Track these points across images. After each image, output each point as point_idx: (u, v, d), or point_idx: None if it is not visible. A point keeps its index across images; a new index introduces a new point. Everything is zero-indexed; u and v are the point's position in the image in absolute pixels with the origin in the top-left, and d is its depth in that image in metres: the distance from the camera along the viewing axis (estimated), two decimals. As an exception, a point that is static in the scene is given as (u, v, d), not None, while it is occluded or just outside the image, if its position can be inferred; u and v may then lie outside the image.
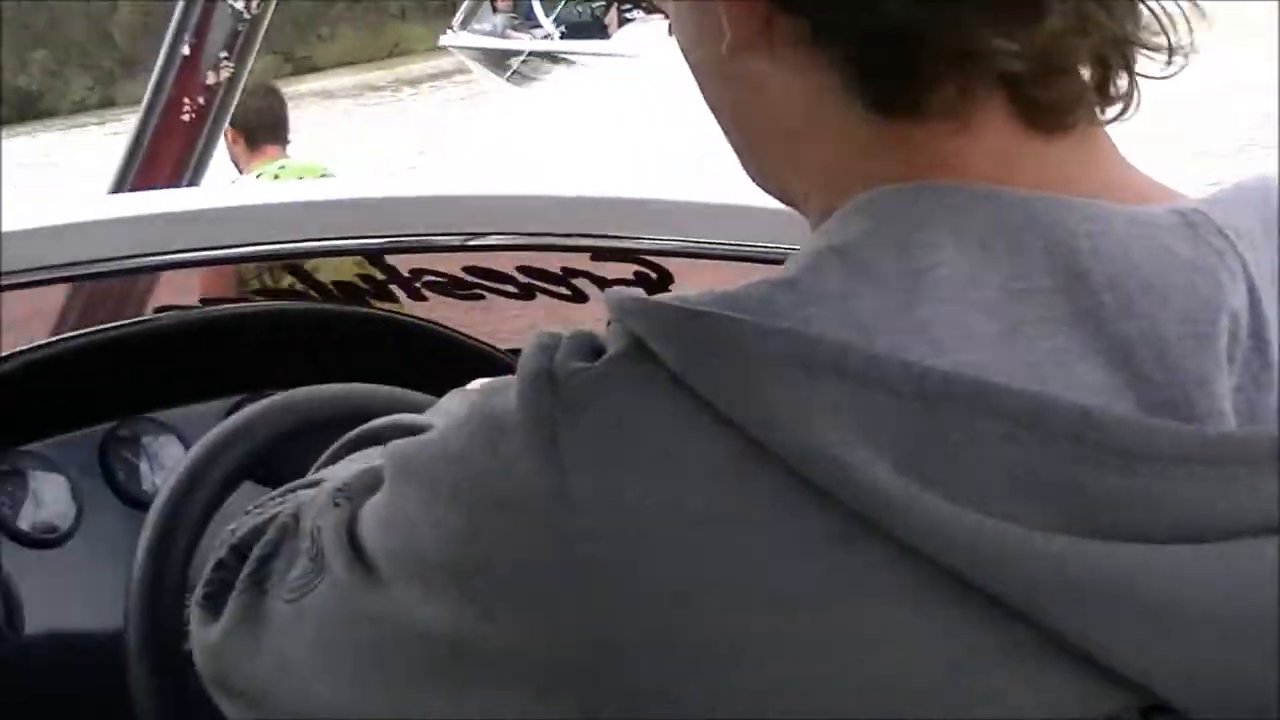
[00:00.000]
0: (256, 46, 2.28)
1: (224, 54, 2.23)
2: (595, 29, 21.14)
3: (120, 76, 33.54)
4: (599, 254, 1.80)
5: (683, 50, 0.76)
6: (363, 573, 0.72)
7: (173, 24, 2.25)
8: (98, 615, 1.34)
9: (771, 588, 0.59)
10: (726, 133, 0.76)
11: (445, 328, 1.57)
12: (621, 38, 20.17)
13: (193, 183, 2.16)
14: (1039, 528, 0.58)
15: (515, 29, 21.47)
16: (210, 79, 2.22)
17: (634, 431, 0.62)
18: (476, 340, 1.56)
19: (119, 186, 2.14)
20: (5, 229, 1.58)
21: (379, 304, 1.79)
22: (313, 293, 1.79)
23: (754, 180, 0.78)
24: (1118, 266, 0.63)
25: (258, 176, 4.59)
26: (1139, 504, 0.59)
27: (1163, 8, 0.68)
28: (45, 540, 1.40)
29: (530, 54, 20.73)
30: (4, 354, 1.41)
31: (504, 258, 1.80)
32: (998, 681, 0.59)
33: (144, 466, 1.50)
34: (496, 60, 21.22)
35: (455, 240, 1.76)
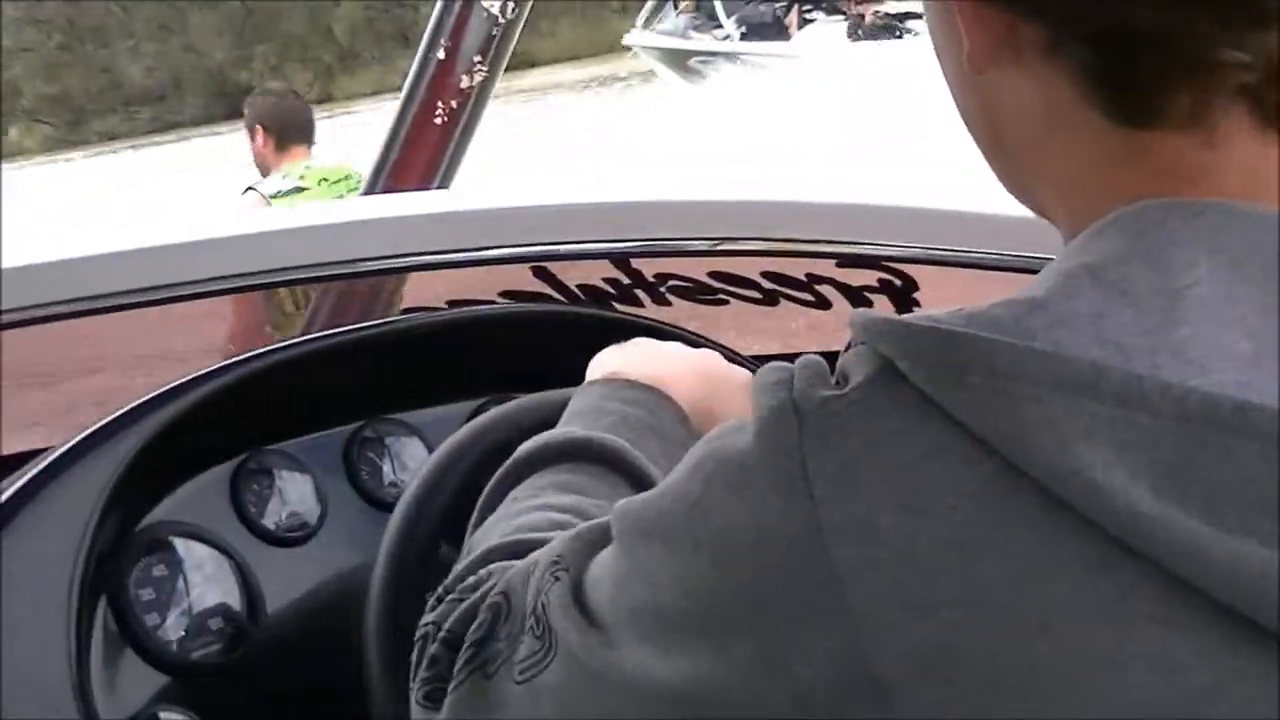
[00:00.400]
0: (509, 51, 2.31)
1: (478, 58, 2.26)
2: (776, 30, 20.70)
3: (339, 72, 34.03)
4: (844, 260, 1.77)
5: (939, 64, 0.75)
6: (597, 639, 0.72)
7: (429, 28, 2.30)
8: (337, 613, 1.35)
9: (1029, 613, 0.57)
10: (976, 141, 0.76)
11: (691, 333, 1.55)
12: (801, 39, 19.97)
13: (443, 185, 2.19)
14: None
15: (696, 29, 21.25)
16: (464, 83, 2.25)
17: (886, 458, 0.61)
18: (721, 346, 1.53)
19: (371, 188, 2.19)
20: (257, 230, 1.63)
21: (623, 308, 1.78)
22: (558, 296, 1.78)
23: (1007, 190, 0.77)
24: None
25: (283, 177, 4.68)
26: None
27: None
28: (289, 538, 1.42)
29: (709, 54, 20.53)
30: (254, 353, 1.44)
31: (748, 263, 1.78)
32: (1261, 708, 0.56)
33: (387, 467, 1.52)
34: (677, 60, 21.12)
35: (702, 245, 1.75)
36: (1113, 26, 0.63)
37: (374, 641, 1.18)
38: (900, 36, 18.74)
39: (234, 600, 1.33)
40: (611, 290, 1.79)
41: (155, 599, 1.28)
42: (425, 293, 1.85)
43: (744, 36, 20.44)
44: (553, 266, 1.77)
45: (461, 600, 0.89)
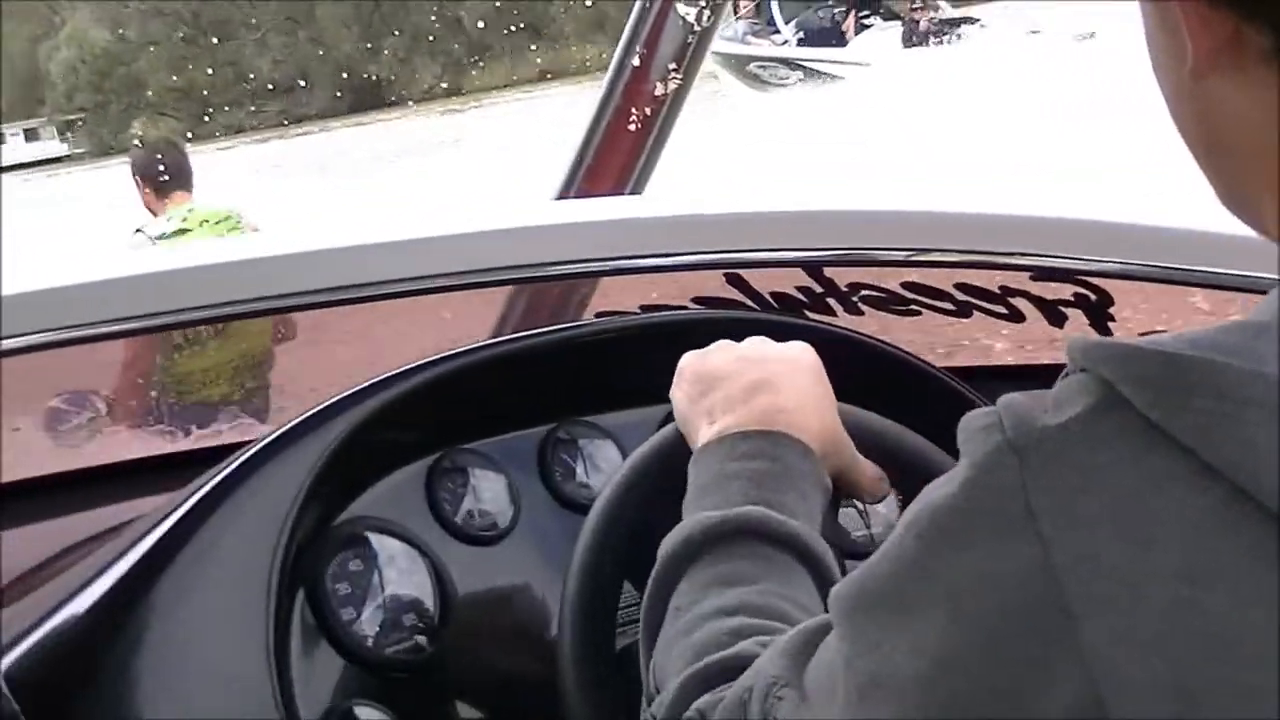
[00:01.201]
0: (704, 59, 2.31)
1: (672, 65, 2.26)
2: (833, 35, 20.97)
3: (468, 65, 34.02)
4: (1039, 273, 1.75)
5: (1155, 75, 0.73)
6: None
7: (625, 34, 2.31)
8: (528, 612, 1.38)
9: (1264, 645, 0.56)
10: (1191, 149, 0.74)
11: (885, 342, 1.54)
12: (858, 45, 20.07)
13: (635, 191, 2.20)
14: None
15: (756, 35, 21.75)
16: (658, 90, 2.25)
17: (1110, 489, 0.59)
18: (915, 356, 1.52)
19: (564, 192, 2.21)
20: (455, 231, 1.65)
21: (816, 316, 1.78)
22: (750, 303, 1.78)
23: (1223, 204, 0.75)
24: None
25: (168, 220, 5.09)
26: None
27: None
28: (482, 536, 1.44)
29: (767, 59, 20.95)
30: (451, 352, 1.46)
31: (942, 274, 1.77)
32: None
33: (580, 469, 1.53)
34: (737, 65, 21.43)
35: (897, 255, 1.73)
36: None
37: (568, 644, 1.18)
38: (952, 42, 18.59)
39: (427, 597, 1.35)
40: (803, 298, 1.79)
41: (351, 593, 1.31)
42: (617, 298, 1.86)
43: (801, 42, 20.92)
44: (745, 274, 1.77)
45: None
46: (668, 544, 1.01)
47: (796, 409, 1.08)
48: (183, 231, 5.05)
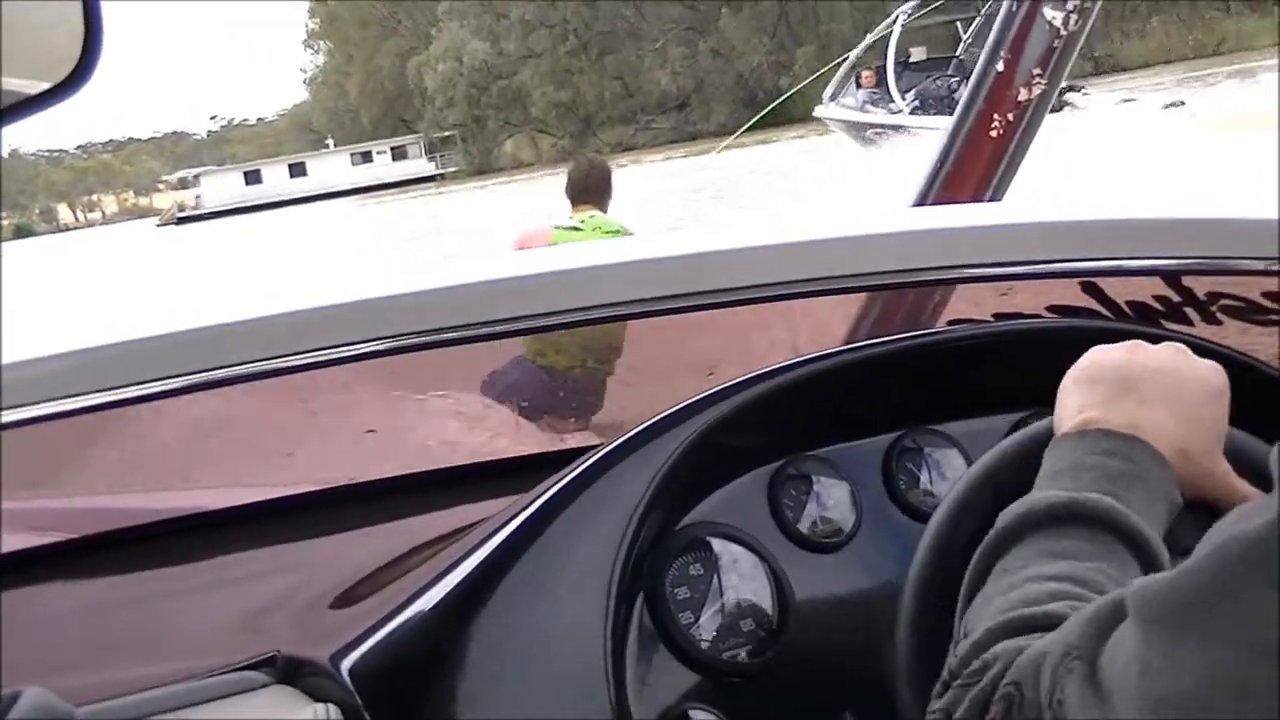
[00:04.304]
0: (1070, 64, 2.29)
1: (1037, 70, 2.25)
2: (948, 103, 21.43)
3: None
4: None
5: None
6: None
7: (990, 39, 2.31)
8: (868, 621, 1.36)
9: None
10: None
11: (1246, 355, 1.49)
12: None
13: (994, 198, 2.20)
14: None
15: (874, 103, 23.83)
16: (1022, 95, 2.25)
17: None
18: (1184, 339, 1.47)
19: (923, 199, 2.23)
20: (813, 238, 1.68)
21: (1172, 326, 1.74)
22: (1106, 312, 1.76)
23: None
24: None
25: (569, 218, 6.13)
26: None
27: None
28: (824, 544, 1.45)
29: (882, 126, 22.99)
30: (797, 359, 1.48)
31: (1311, 284, 1.69)
32: None
33: (924, 477, 1.52)
34: (856, 130, 24.39)
35: (1258, 264, 1.68)
36: None
37: (906, 649, 1.19)
38: (1060, 110, 18.29)
39: (766, 603, 1.36)
40: (1160, 307, 1.75)
41: (690, 598, 1.33)
42: (971, 305, 1.86)
43: (916, 110, 22.61)
44: (1102, 282, 1.74)
45: (968, 686, 0.89)
46: (1007, 514, 1.03)
47: (1165, 420, 1.07)
48: (575, 230, 5.99)
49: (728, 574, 1.36)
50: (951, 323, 1.87)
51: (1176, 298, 1.74)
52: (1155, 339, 1.57)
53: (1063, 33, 2.21)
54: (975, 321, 1.81)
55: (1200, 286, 1.73)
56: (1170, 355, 1.14)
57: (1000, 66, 2.26)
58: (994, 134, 2.20)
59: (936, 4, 24.56)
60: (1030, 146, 2.25)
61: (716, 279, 1.62)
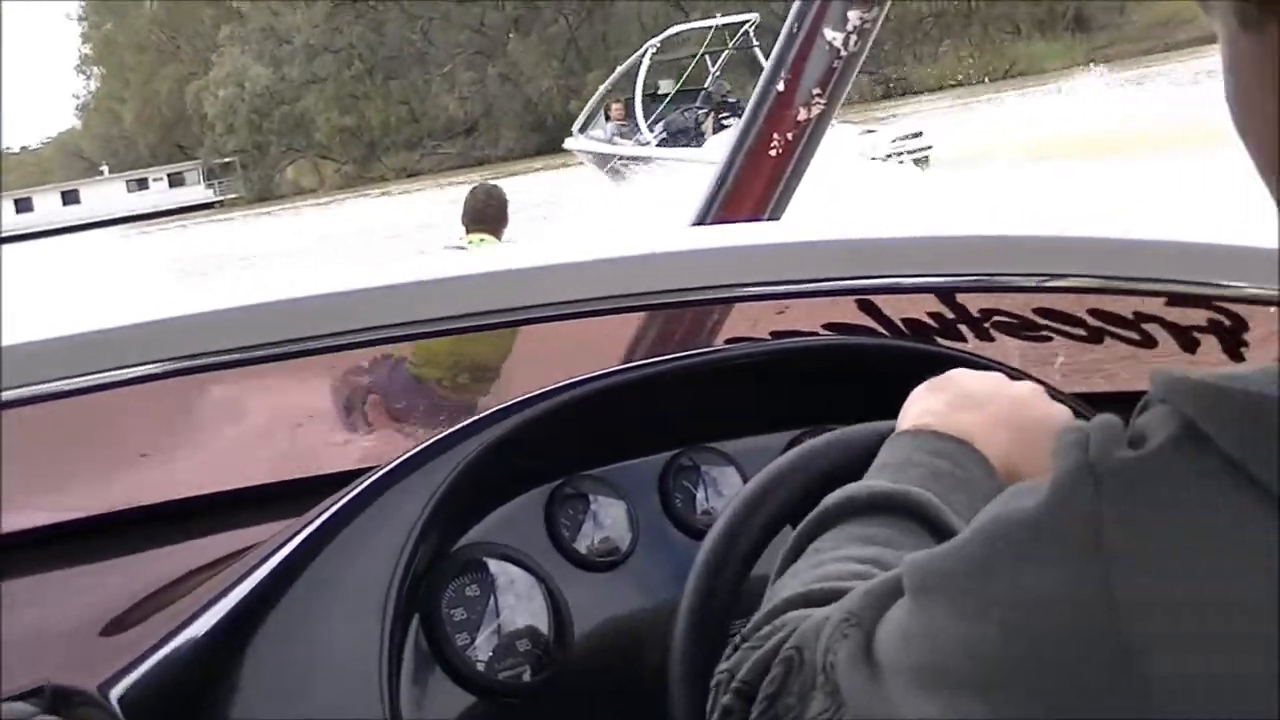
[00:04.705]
0: (849, 85, 2.31)
1: (816, 90, 2.26)
2: (694, 135, 23.42)
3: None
4: (1173, 299, 1.71)
5: (1241, 110, 0.70)
6: (880, 697, 0.72)
7: (771, 59, 2.31)
8: (644, 639, 1.36)
9: None
10: None
11: (1014, 369, 1.51)
12: (713, 144, 21.58)
13: (773, 217, 2.21)
14: None
15: (623, 135, 24.70)
16: (802, 115, 2.26)
17: (1187, 528, 0.58)
18: (1043, 382, 1.50)
19: (702, 218, 2.22)
20: (591, 258, 1.67)
21: (946, 342, 1.76)
22: (882, 329, 1.78)
23: None
24: None
25: (460, 239, 6.66)
26: None
27: None
28: (601, 563, 1.44)
29: (629, 158, 23.87)
30: (574, 379, 1.46)
31: (1075, 300, 1.74)
32: None
33: (701, 495, 1.52)
34: (603, 161, 25.01)
35: (1030, 281, 1.71)
36: None
37: (679, 669, 1.17)
38: None
39: (542, 623, 1.36)
40: (935, 325, 1.77)
41: (466, 619, 1.32)
42: (749, 324, 1.87)
43: (663, 142, 23.63)
44: (877, 300, 1.76)
45: (756, 649, 0.90)
46: (830, 499, 1.04)
47: (1002, 437, 1.09)
48: (460, 250, 6.32)
49: (504, 594, 1.35)
50: (729, 341, 1.87)
51: (951, 315, 1.76)
52: (932, 356, 1.60)
53: (843, 53, 2.23)
54: (752, 340, 1.81)
55: (974, 303, 1.75)
56: (1028, 389, 1.17)
57: (780, 86, 2.27)
58: (773, 153, 2.20)
59: (687, 35, 26.20)
60: (809, 166, 2.26)
61: (495, 300, 1.61)
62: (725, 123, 22.93)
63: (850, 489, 1.04)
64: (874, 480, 1.05)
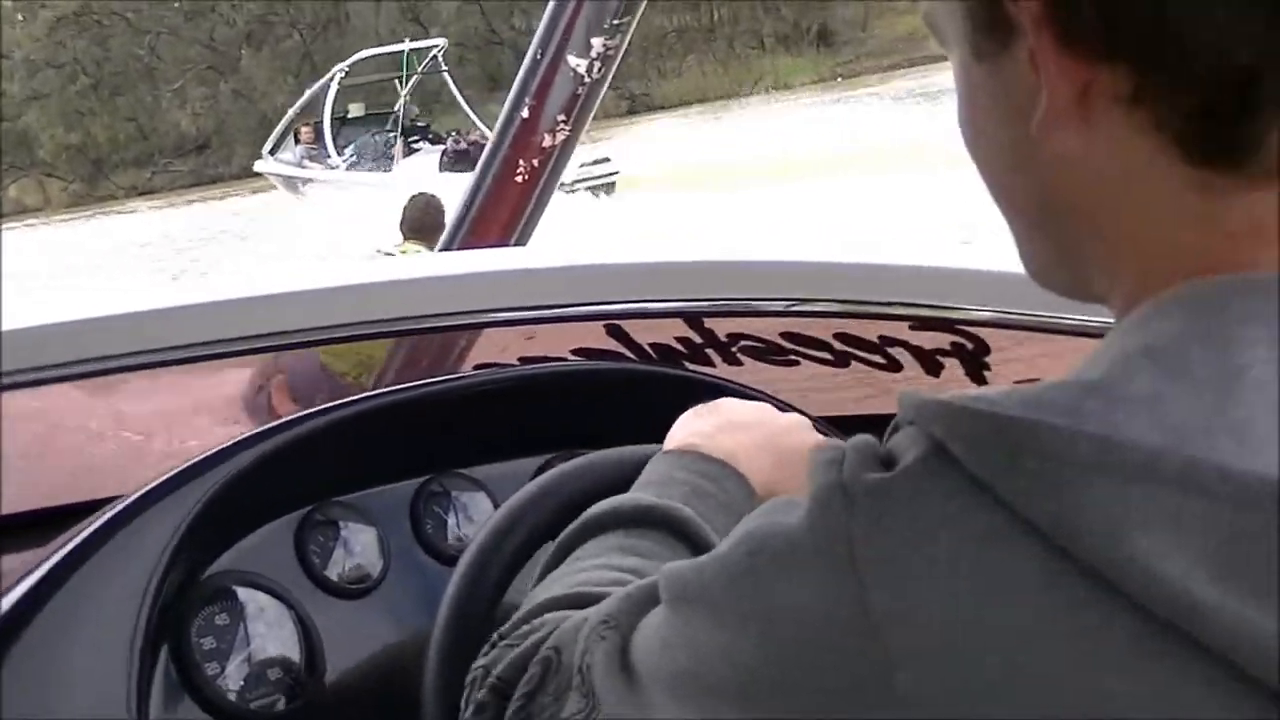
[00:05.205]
0: (593, 111, 2.32)
1: (561, 116, 2.27)
2: (384, 159, 23.64)
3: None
4: (917, 323, 1.76)
5: (974, 136, 0.71)
6: (635, 702, 0.73)
7: (515, 86, 2.31)
8: (397, 666, 1.36)
9: (1083, 703, 0.55)
10: (1013, 217, 0.72)
11: (761, 393, 1.53)
12: (403, 169, 22.07)
13: (520, 242, 2.21)
14: None
15: (312, 159, 24.55)
16: (547, 141, 2.26)
17: (936, 543, 0.59)
18: (792, 407, 1.52)
19: (449, 244, 2.21)
20: (335, 284, 1.64)
21: (695, 366, 1.78)
22: (630, 354, 1.78)
23: (1037, 269, 0.74)
24: None
25: (394, 246, 7.02)
26: None
27: None
28: (352, 590, 1.42)
29: (314, 180, 24.02)
30: (323, 406, 1.45)
31: (821, 324, 1.77)
32: None
33: (452, 521, 1.52)
34: (291, 184, 24.94)
35: (776, 306, 1.74)
36: (1210, 63, 0.59)
37: (432, 695, 1.17)
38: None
39: (293, 651, 1.33)
40: (683, 349, 1.78)
41: (216, 648, 1.29)
42: (498, 350, 1.85)
43: (353, 165, 23.70)
44: (626, 325, 1.77)
45: (514, 647, 0.91)
46: (593, 510, 1.05)
47: (763, 461, 1.12)
48: (390, 256, 6.70)
49: (254, 622, 1.33)
50: (477, 367, 1.85)
51: (699, 339, 1.77)
52: (681, 381, 1.61)
53: (586, 80, 2.24)
54: (500, 365, 1.80)
55: (721, 328, 1.77)
56: (794, 419, 1.20)
57: (525, 113, 2.27)
58: (519, 179, 2.21)
59: (375, 58, 25.95)
60: (554, 192, 2.27)
61: (233, 327, 1.60)
62: (415, 146, 23.33)
63: (614, 501, 1.05)
64: (637, 494, 1.07)
